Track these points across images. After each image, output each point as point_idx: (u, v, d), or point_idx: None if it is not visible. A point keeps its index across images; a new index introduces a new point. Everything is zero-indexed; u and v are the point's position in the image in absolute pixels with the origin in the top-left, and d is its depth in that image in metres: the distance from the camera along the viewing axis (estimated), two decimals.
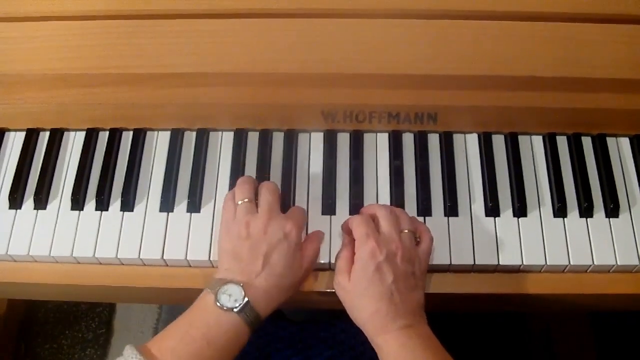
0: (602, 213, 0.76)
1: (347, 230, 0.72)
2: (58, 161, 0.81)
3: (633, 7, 0.75)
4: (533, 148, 0.81)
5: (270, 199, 0.69)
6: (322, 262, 0.73)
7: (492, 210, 0.76)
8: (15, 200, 0.77)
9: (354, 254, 0.68)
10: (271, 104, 0.77)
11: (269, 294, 0.66)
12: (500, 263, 0.73)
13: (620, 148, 0.81)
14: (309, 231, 0.75)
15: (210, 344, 0.62)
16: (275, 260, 0.66)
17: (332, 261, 0.73)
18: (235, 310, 0.63)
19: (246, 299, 0.64)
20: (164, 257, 0.74)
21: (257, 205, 0.70)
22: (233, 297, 0.64)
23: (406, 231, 0.68)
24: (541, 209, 0.76)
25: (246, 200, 0.70)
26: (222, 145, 0.81)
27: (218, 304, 0.63)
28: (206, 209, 0.77)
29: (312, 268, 0.71)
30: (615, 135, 0.81)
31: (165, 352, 0.61)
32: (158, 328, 1.43)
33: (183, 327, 0.64)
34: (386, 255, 0.65)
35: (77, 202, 0.77)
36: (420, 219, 0.75)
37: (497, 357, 1.34)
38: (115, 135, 0.81)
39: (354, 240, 0.69)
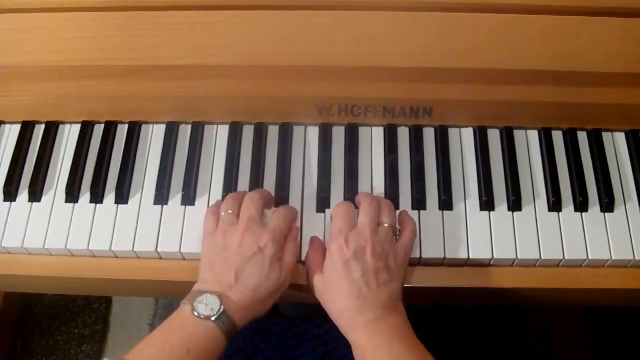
0: (597, 207, 0.76)
1: None
2: (53, 154, 0.81)
3: (628, 0, 0.74)
4: (528, 142, 0.80)
5: (251, 211, 0.69)
6: None
7: (487, 204, 0.76)
8: (10, 192, 0.77)
9: (319, 252, 0.70)
10: (266, 97, 0.77)
11: (244, 305, 0.66)
12: (495, 257, 0.73)
13: (615, 143, 0.81)
14: (303, 224, 0.75)
15: (190, 351, 0.62)
16: (247, 275, 0.66)
17: None
18: (212, 318, 0.63)
19: (222, 307, 0.64)
20: (158, 250, 0.74)
21: None
22: (209, 305, 0.64)
23: (385, 225, 0.69)
24: (536, 203, 0.76)
25: (229, 211, 0.70)
26: (217, 138, 0.81)
27: (195, 312, 0.64)
28: (200, 202, 0.77)
29: (293, 271, 0.71)
30: (611, 130, 0.81)
31: None
32: (154, 324, 1.43)
33: (161, 336, 0.64)
34: (354, 251, 0.66)
35: (72, 195, 0.77)
36: (415, 212, 0.75)
37: (496, 350, 1.34)
38: (110, 128, 0.81)
39: (317, 238, 0.72)
